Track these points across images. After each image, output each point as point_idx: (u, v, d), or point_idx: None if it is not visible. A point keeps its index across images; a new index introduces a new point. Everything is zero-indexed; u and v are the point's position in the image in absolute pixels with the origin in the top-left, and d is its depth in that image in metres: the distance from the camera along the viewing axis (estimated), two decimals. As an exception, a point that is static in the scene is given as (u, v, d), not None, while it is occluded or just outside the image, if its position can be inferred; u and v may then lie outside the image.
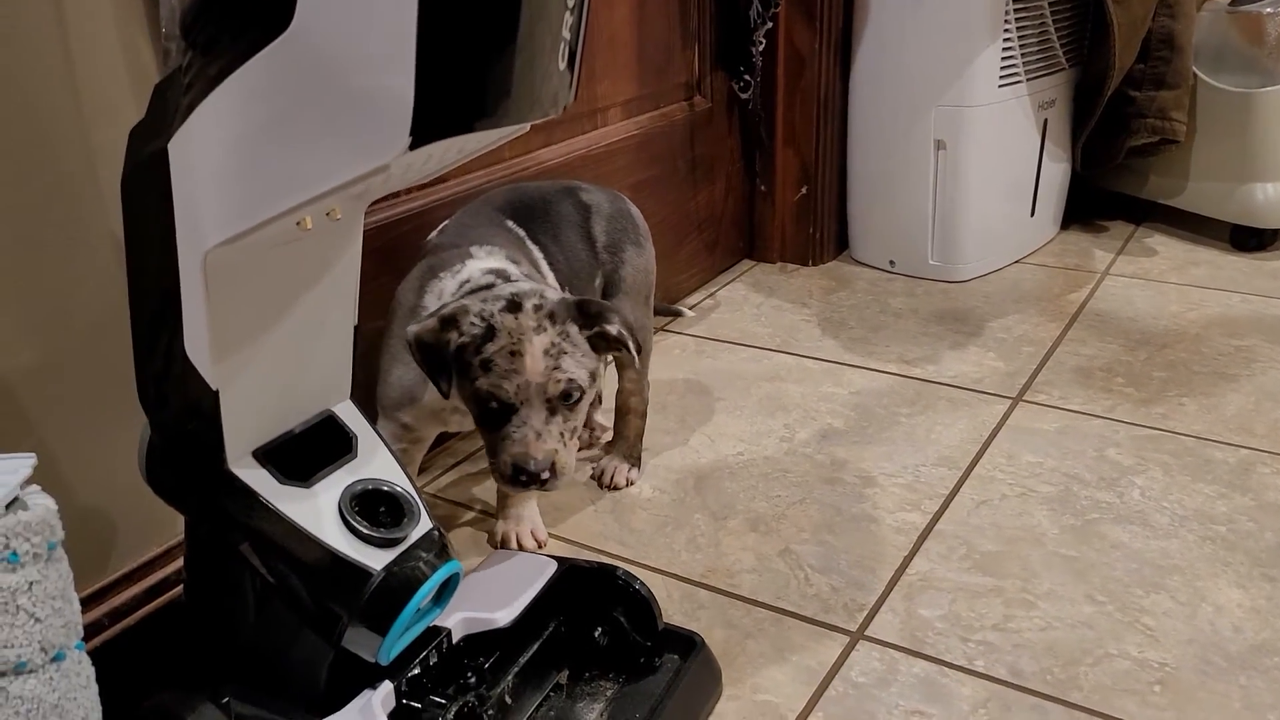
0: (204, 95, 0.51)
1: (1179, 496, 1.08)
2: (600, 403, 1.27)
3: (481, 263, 0.93)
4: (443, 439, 1.23)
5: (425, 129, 0.48)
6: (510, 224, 1.02)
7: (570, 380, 0.84)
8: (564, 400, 0.84)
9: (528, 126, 0.61)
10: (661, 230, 1.56)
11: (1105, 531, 1.02)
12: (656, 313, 1.24)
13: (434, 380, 0.85)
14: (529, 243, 1.02)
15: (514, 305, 0.84)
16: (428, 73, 0.47)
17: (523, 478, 0.82)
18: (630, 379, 1.15)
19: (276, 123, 0.49)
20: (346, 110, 0.48)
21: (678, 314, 1.55)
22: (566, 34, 0.51)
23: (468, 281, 0.90)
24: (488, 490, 1.14)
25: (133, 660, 0.75)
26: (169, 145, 0.54)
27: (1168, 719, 0.79)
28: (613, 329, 0.87)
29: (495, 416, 0.84)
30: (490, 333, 0.83)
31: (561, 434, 0.85)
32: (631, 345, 0.88)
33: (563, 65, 0.52)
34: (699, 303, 1.66)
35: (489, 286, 0.88)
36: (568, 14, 0.51)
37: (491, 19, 0.48)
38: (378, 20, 0.46)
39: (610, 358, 1.20)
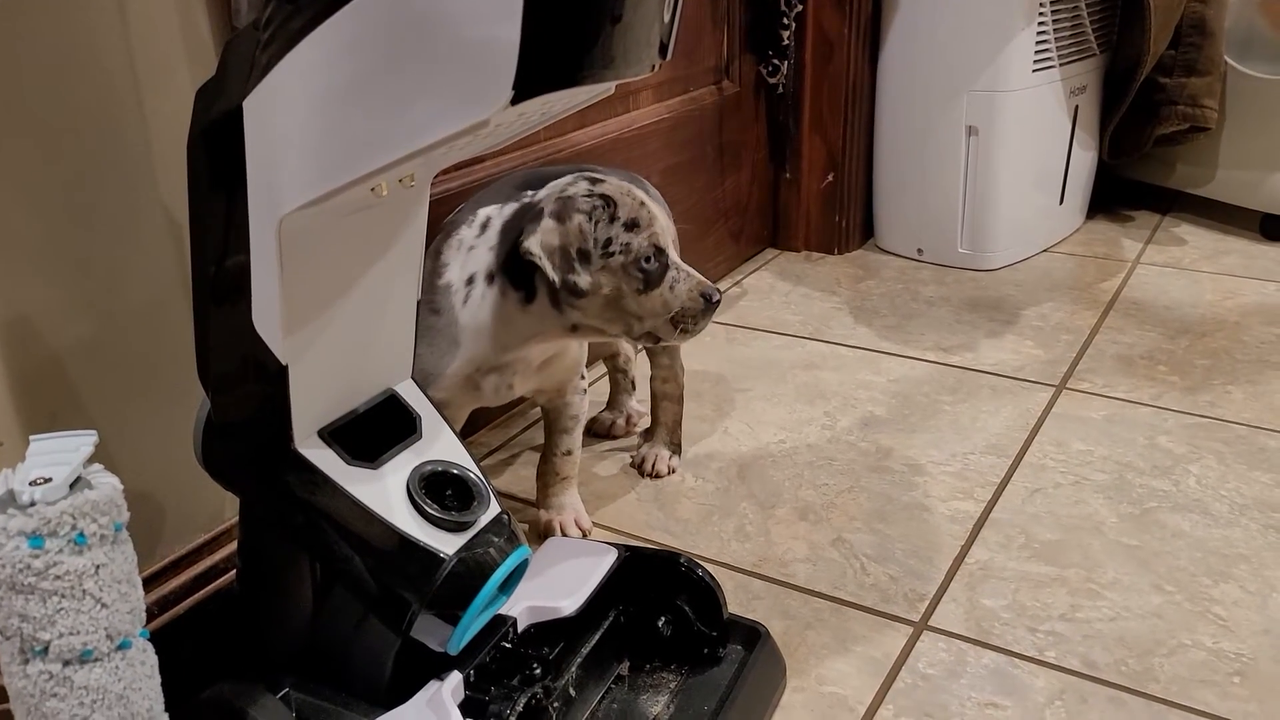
0: (288, 48, 0.48)
1: (1236, 484, 1.05)
2: (635, 389, 1.25)
3: (494, 209, 0.90)
4: (469, 430, 1.19)
5: (529, 82, 0.45)
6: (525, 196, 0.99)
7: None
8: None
9: (613, 88, 0.58)
10: (689, 218, 1.53)
11: (1165, 520, 1.00)
12: None
13: (569, 277, 0.81)
14: None
15: (595, 181, 0.85)
16: (536, 19, 0.44)
17: (716, 298, 0.86)
18: (664, 364, 1.12)
19: (370, 76, 0.46)
20: (446, 62, 0.45)
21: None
22: (674, -17, 0.49)
23: (488, 220, 0.88)
24: (522, 480, 1.11)
25: (181, 650, 0.72)
26: (244, 104, 0.51)
27: (1250, 711, 0.77)
28: None
29: (653, 272, 0.84)
30: (609, 201, 0.83)
31: None
32: None
33: (667, 17, 0.50)
34: (725, 290, 1.63)
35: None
36: (677, -38, 0.48)
37: (604, -38, 0.45)
38: (485, -37, 0.43)
39: (640, 345, 1.17)
